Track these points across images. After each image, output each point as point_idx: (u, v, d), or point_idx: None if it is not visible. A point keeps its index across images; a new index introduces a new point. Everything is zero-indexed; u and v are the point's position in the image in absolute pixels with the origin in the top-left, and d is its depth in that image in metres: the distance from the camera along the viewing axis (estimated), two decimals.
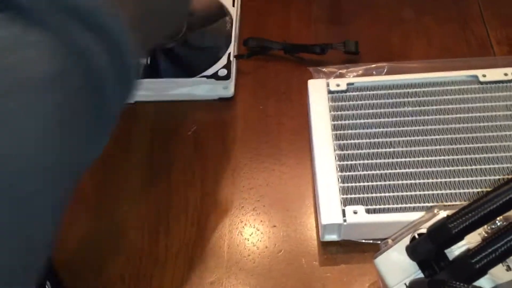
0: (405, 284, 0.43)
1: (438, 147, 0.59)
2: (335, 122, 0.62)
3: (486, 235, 0.41)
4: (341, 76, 0.68)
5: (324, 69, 0.69)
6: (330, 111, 0.62)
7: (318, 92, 0.64)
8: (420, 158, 0.58)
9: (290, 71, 0.73)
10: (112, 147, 0.67)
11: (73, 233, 0.60)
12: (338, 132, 0.61)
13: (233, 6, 0.75)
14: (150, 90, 0.69)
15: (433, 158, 0.58)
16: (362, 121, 0.61)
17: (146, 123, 0.69)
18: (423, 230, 0.43)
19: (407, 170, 0.57)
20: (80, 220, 0.62)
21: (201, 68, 0.69)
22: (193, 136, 0.68)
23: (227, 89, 0.70)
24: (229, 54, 0.70)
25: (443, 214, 0.44)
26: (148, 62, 0.72)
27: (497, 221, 0.41)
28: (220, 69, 0.68)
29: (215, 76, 0.67)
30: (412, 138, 0.59)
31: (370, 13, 0.78)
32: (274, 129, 0.68)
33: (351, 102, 0.63)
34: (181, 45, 0.71)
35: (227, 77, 0.67)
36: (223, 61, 0.69)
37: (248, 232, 0.60)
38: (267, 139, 0.67)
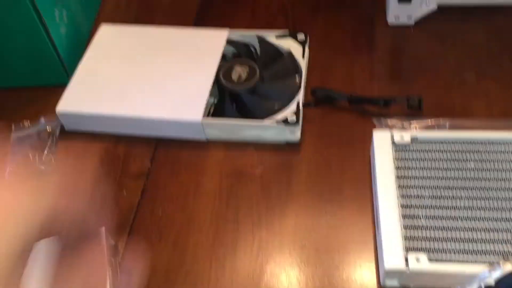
0: None
1: (500, 203, 0.61)
2: (399, 172, 0.65)
3: None
4: (404, 128, 0.72)
5: (387, 121, 0.73)
6: (394, 162, 0.65)
7: (383, 143, 0.67)
8: (482, 213, 0.60)
9: (354, 121, 0.76)
10: (185, 182, 0.72)
11: (150, 260, 0.64)
12: (402, 181, 0.64)
13: (303, 57, 0.80)
14: (221, 130, 0.74)
15: (495, 214, 0.60)
16: (425, 173, 0.64)
17: (216, 160, 0.74)
18: (491, 282, 0.46)
19: (469, 223, 0.59)
20: (155, 249, 0.66)
21: (266, 116, 0.74)
22: (260, 176, 0.72)
23: (294, 134, 0.74)
24: (298, 102, 0.74)
25: (510, 267, 0.46)
26: (215, 101, 0.77)
27: None
28: (289, 115, 0.72)
29: (284, 121, 0.72)
30: (475, 192, 0.62)
31: (431, 74, 0.82)
32: (337, 175, 0.71)
33: (415, 155, 0.66)
34: (249, 93, 0.76)
35: (295, 123, 0.72)
36: (292, 108, 0.74)
37: (309, 272, 0.63)
38: (330, 184, 0.70)
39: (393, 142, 0.67)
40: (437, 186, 0.63)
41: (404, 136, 0.67)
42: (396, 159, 0.66)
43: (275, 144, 0.75)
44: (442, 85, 0.80)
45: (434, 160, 0.66)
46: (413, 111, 0.75)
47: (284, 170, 0.72)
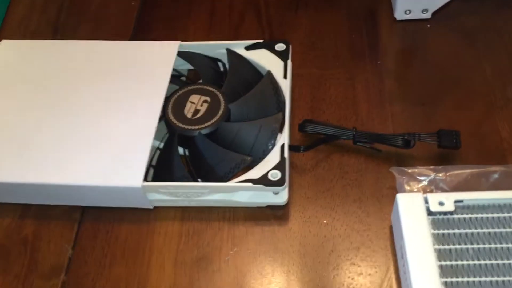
0: None
1: None
2: (441, 254, 0.43)
3: None
4: (438, 184, 0.49)
5: (410, 170, 0.50)
6: (432, 239, 0.43)
7: (413, 212, 0.45)
8: None
9: (363, 168, 0.54)
10: (122, 277, 0.49)
11: None
12: (445, 265, 0.42)
13: (285, 77, 0.57)
14: (172, 194, 0.51)
15: None
16: (479, 251, 0.43)
17: (168, 239, 0.51)
18: None
19: None
20: None
21: (233, 168, 0.51)
22: (232, 263, 0.49)
23: (279, 196, 0.51)
24: (282, 147, 0.51)
25: None
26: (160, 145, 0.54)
27: None
28: (271, 170, 0.49)
29: (264, 180, 0.49)
30: None
31: (461, 89, 0.59)
32: (343, 254, 0.49)
33: (462, 225, 0.44)
34: (209, 136, 0.53)
35: (280, 182, 0.49)
36: (274, 157, 0.50)
37: None
38: (335, 269, 0.48)
39: (430, 212, 0.45)
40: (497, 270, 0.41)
41: (444, 201, 0.45)
42: (436, 235, 0.44)
43: (251, 209, 0.52)
44: (479, 106, 0.57)
45: (488, 228, 0.44)
46: (445, 149, 0.53)
47: (266, 250, 0.50)
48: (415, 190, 0.49)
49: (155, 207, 0.53)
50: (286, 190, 0.51)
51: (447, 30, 0.64)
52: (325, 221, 0.51)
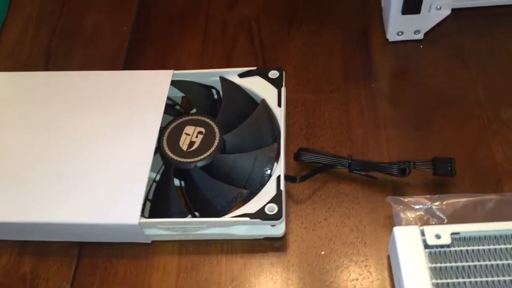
0: None
1: None
2: (438, 281, 0.43)
3: None
4: (431, 212, 0.50)
5: (406, 200, 0.51)
6: (429, 272, 0.44)
7: (410, 245, 0.45)
8: None
9: (359, 196, 0.54)
10: None
11: None
12: None
13: (279, 105, 0.57)
14: (170, 229, 0.51)
15: None
16: (473, 280, 0.43)
17: (167, 274, 0.51)
18: None
19: None
20: None
21: (229, 201, 0.51)
22: None
23: (277, 228, 0.51)
24: (279, 178, 0.51)
25: None
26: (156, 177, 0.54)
27: None
28: (268, 203, 0.49)
29: (261, 215, 0.49)
30: None
31: (456, 112, 0.59)
32: (342, 286, 0.49)
33: (459, 258, 0.44)
34: (205, 169, 0.53)
35: (277, 215, 0.49)
36: (271, 189, 0.51)
37: None
38: None
39: (426, 245, 0.45)
40: None
41: (440, 234, 0.45)
42: (433, 268, 0.44)
43: (248, 240, 0.52)
44: (473, 130, 0.58)
45: (487, 261, 0.44)
46: (441, 177, 0.53)
47: (266, 282, 0.50)
48: (411, 219, 0.50)
49: (153, 241, 0.53)
50: (284, 222, 0.51)
51: (440, 50, 0.65)
52: (323, 253, 0.51)
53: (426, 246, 0.45)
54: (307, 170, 0.55)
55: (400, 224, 0.49)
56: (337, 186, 0.55)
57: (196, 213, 0.52)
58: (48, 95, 0.59)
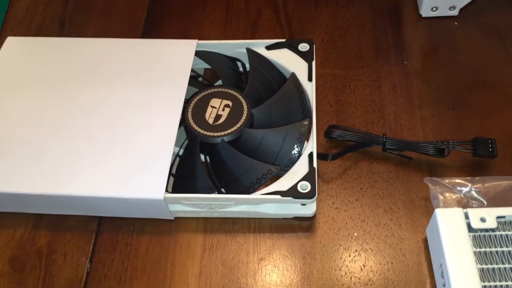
0: None
1: None
2: (484, 274, 0.41)
3: None
4: (470, 195, 0.47)
5: (446, 181, 0.48)
6: (474, 255, 0.41)
7: (453, 228, 0.43)
8: None
9: (393, 177, 0.51)
10: (149, 284, 0.46)
11: None
12: (488, 284, 0.40)
13: (309, 80, 0.54)
14: (195, 205, 0.48)
15: None
16: None
17: (191, 250, 0.48)
18: None
19: None
20: None
21: (258, 177, 0.48)
22: (259, 277, 0.47)
23: (308, 208, 0.49)
24: (310, 155, 0.49)
25: None
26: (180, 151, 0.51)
27: None
28: (300, 181, 0.47)
29: (293, 193, 0.46)
30: None
31: (495, 92, 0.57)
32: (375, 270, 0.46)
33: (504, 246, 0.42)
34: (232, 143, 0.50)
35: (310, 194, 0.46)
36: (302, 166, 0.48)
37: None
38: (368, 285, 0.46)
39: (471, 228, 0.43)
40: None
41: (486, 217, 0.43)
42: (478, 253, 0.42)
43: (276, 219, 0.50)
44: None
45: None
46: (480, 158, 0.51)
47: (296, 264, 0.47)
48: (451, 201, 0.47)
49: (176, 218, 0.50)
50: (315, 202, 0.48)
51: (476, 28, 0.62)
52: (355, 234, 0.48)
53: (470, 229, 0.43)
54: (337, 148, 0.53)
55: (438, 206, 0.47)
56: (370, 165, 0.52)
57: (222, 189, 0.50)
58: (64, 62, 0.56)
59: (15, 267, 0.48)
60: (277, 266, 0.47)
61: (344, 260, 0.47)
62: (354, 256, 0.47)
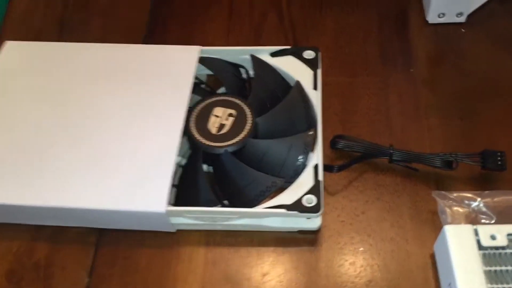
0: None
1: None
2: (493, 286, 0.40)
3: None
4: (479, 210, 0.46)
5: (454, 195, 0.47)
6: (484, 274, 0.40)
7: (463, 245, 0.42)
8: None
9: (399, 189, 0.50)
10: None
11: None
12: None
13: (314, 88, 0.53)
14: (197, 219, 0.47)
15: None
16: None
17: (194, 264, 0.47)
18: None
19: None
20: None
21: (262, 189, 0.47)
22: (264, 286, 0.46)
23: (312, 221, 0.48)
24: (316, 167, 0.47)
25: None
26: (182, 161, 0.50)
27: None
28: (305, 194, 0.46)
29: (298, 207, 0.45)
30: None
31: (504, 101, 0.55)
32: (381, 286, 0.45)
33: None
34: (235, 154, 0.49)
35: (316, 208, 0.45)
36: (307, 179, 0.47)
37: None
38: None
39: (480, 246, 0.42)
40: None
41: (496, 234, 0.42)
42: (488, 272, 0.41)
43: (280, 233, 0.49)
44: None
45: None
46: (490, 170, 0.50)
47: (300, 279, 0.46)
48: (459, 216, 0.46)
49: (178, 230, 0.49)
50: (320, 216, 0.47)
51: (484, 35, 0.61)
52: (361, 249, 0.47)
53: (480, 247, 0.42)
54: (342, 159, 0.52)
55: (446, 221, 0.46)
56: (376, 177, 0.51)
57: (225, 202, 0.48)
58: (65, 68, 0.55)
59: (11, 281, 0.47)
60: (281, 282, 0.46)
61: (350, 275, 0.46)
62: (359, 272, 0.46)
